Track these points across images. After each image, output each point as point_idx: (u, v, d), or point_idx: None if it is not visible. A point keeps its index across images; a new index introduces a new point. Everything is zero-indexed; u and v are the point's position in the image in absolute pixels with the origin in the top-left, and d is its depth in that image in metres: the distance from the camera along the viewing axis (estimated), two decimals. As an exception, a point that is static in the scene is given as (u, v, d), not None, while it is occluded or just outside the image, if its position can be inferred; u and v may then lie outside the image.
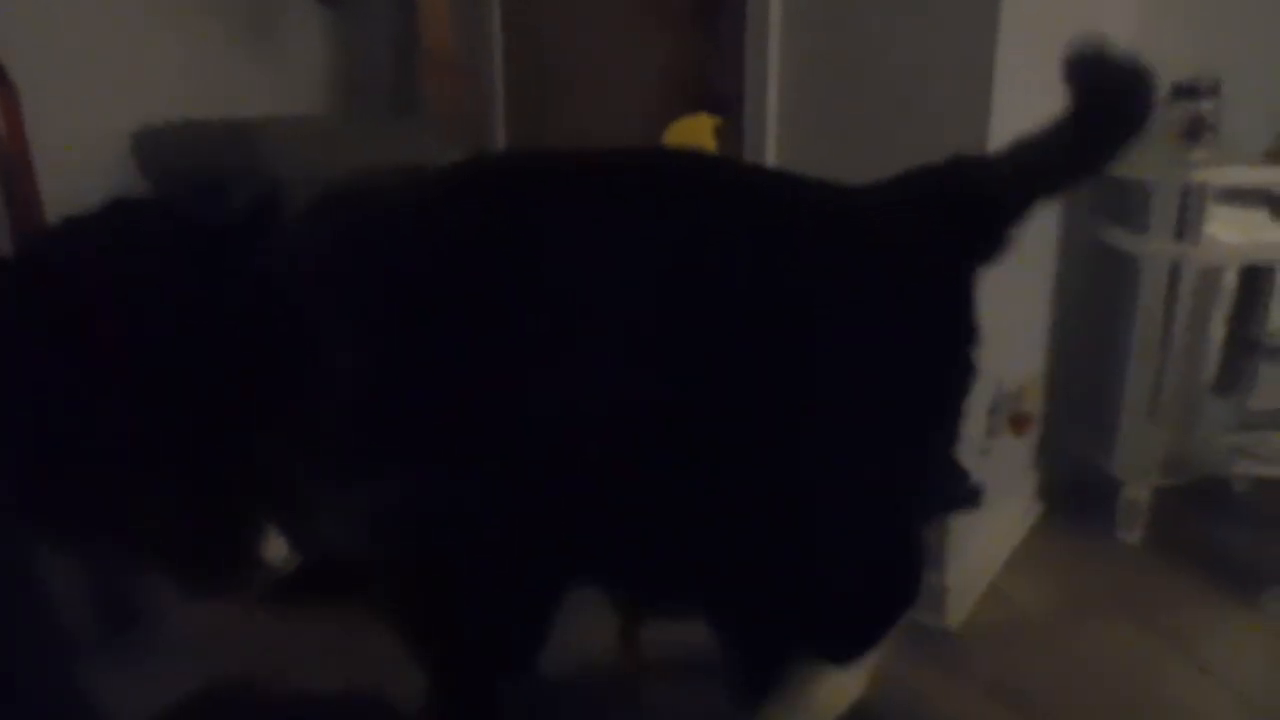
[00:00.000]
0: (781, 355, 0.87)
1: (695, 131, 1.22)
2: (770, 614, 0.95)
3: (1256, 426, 1.96)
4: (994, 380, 1.73)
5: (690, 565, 0.90)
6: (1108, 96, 1.01)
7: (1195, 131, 1.76)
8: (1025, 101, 1.57)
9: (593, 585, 0.99)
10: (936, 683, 1.52)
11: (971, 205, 1.00)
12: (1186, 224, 1.77)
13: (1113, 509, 1.96)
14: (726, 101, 1.82)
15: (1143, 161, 1.89)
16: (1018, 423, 1.77)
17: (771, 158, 1.72)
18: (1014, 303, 1.81)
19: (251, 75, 2.21)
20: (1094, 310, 2.04)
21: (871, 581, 1.00)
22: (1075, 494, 2.08)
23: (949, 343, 1.00)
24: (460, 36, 2.40)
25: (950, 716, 1.45)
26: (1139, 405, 1.90)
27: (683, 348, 0.85)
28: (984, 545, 1.83)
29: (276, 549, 0.96)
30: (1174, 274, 1.82)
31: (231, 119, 1.97)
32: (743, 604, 0.94)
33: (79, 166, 1.75)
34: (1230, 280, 1.94)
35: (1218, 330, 1.97)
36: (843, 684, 1.01)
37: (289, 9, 2.28)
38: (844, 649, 1.01)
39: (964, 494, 1.19)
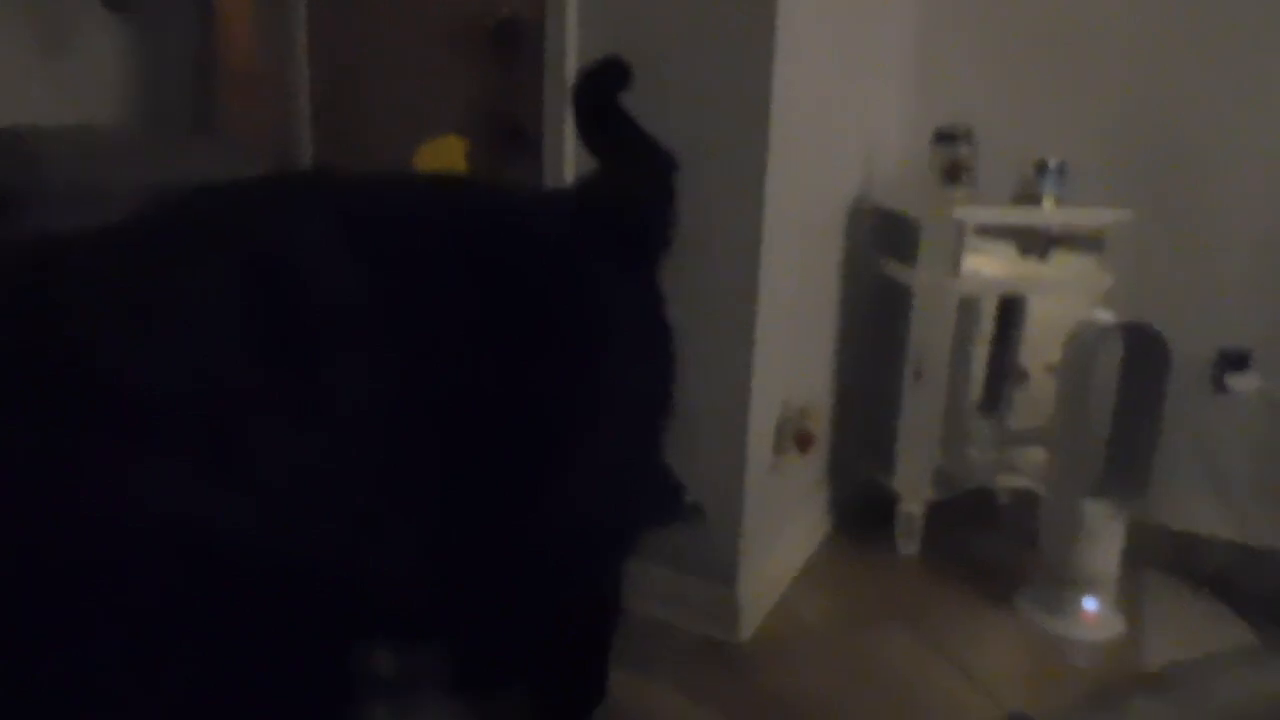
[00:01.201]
0: (491, 364, 0.89)
1: (445, 152, 1.23)
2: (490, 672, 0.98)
3: (1015, 443, 2.15)
4: (780, 401, 1.83)
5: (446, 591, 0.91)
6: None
7: (954, 173, 1.94)
8: (803, 128, 1.68)
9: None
10: (724, 695, 1.57)
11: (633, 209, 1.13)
12: (949, 258, 1.93)
13: (894, 524, 2.10)
14: (528, 127, 1.85)
15: (911, 199, 2.06)
16: (802, 441, 1.86)
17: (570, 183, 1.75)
18: (800, 329, 1.92)
19: (40, 84, 2.07)
20: (874, 336, 2.19)
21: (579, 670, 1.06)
22: (861, 511, 2.21)
23: (645, 334, 1.06)
24: (264, 54, 2.33)
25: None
26: (912, 425, 2.05)
27: (403, 365, 0.84)
28: (775, 561, 1.92)
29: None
30: (941, 303, 1.98)
31: (2, 127, 1.84)
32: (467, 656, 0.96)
33: None
34: (990, 310, 2.13)
35: (981, 356, 2.15)
36: None
37: (81, 17, 2.15)
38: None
39: (679, 508, 1.26)
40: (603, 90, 1.23)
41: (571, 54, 1.72)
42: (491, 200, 1.08)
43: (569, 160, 1.76)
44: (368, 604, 0.83)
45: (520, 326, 0.92)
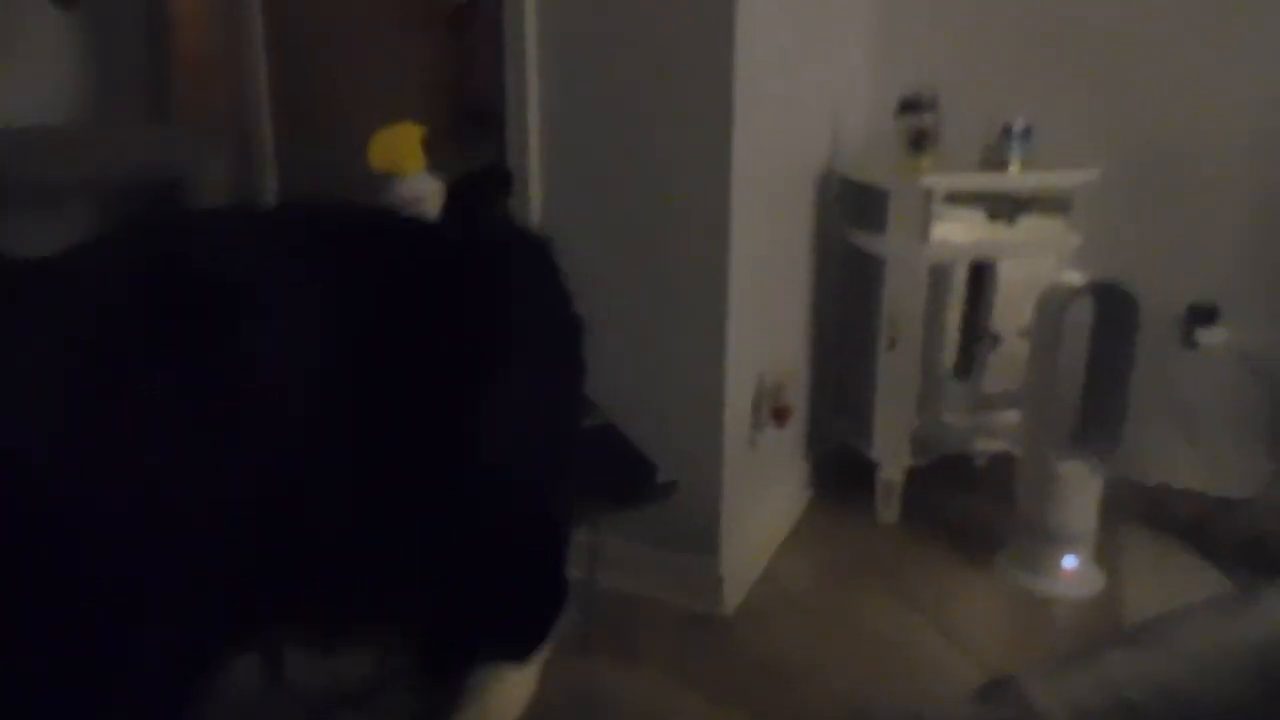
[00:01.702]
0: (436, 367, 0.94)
1: (401, 140, 1.22)
2: (456, 616, 1.00)
3: (989, 407, 2.16)
4: (755, 375, 1.83)
5: (381, 585, 0.93)
6: None
7: (920, 141, 1.94)
8: (766, 98, 1.68)
9: (277, 624, 0.98)
10: (710, 668, 1.58)
11: None
12: (918, 226, 1.94)
13: (873, 491, 2.11)
14: (489, 108, 1.83)
15: (878, 168, 2.06)
16: (779, 414, 1.87)
17: (535, 161, 1.74)
18: (773, 303, 1.92)
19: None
20: (847, 306, 2.19)
21: (537, 570, 1.10)
22: (840, 478, 2.22)
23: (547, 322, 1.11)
24: (220, 40, 2.29)
25: (720, 695, 1.51)
26: (888, 393, 2.06)
27: (355, 387, 0.88)
28: (758, 533, 1.93)
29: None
30: (912, 271, 1.99)
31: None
32: (430, 611, 0.99)
33: None
34: (961, 275, 2.14)
35: (953, 321, 2.16)
36: (519, 683, 1.09)
37: (29, 17, 2.11)
38: (521, 645, 1.08)
39: (652, 488, 1.29)
40: (485, 195, 1.31)
41: (532, 34, 1.70)
42: (394, 218, 1.16)
43: (533, 140, 1.75)
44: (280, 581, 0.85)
45: (425, 320, 0.95)
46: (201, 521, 0.77)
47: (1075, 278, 1.83)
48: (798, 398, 2.05)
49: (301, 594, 0.90)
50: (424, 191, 1.23)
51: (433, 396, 0.93)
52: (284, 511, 0.83)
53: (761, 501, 1.94)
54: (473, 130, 1.91)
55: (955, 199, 2.00)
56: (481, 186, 1.29)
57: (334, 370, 0.87)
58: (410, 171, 1.23)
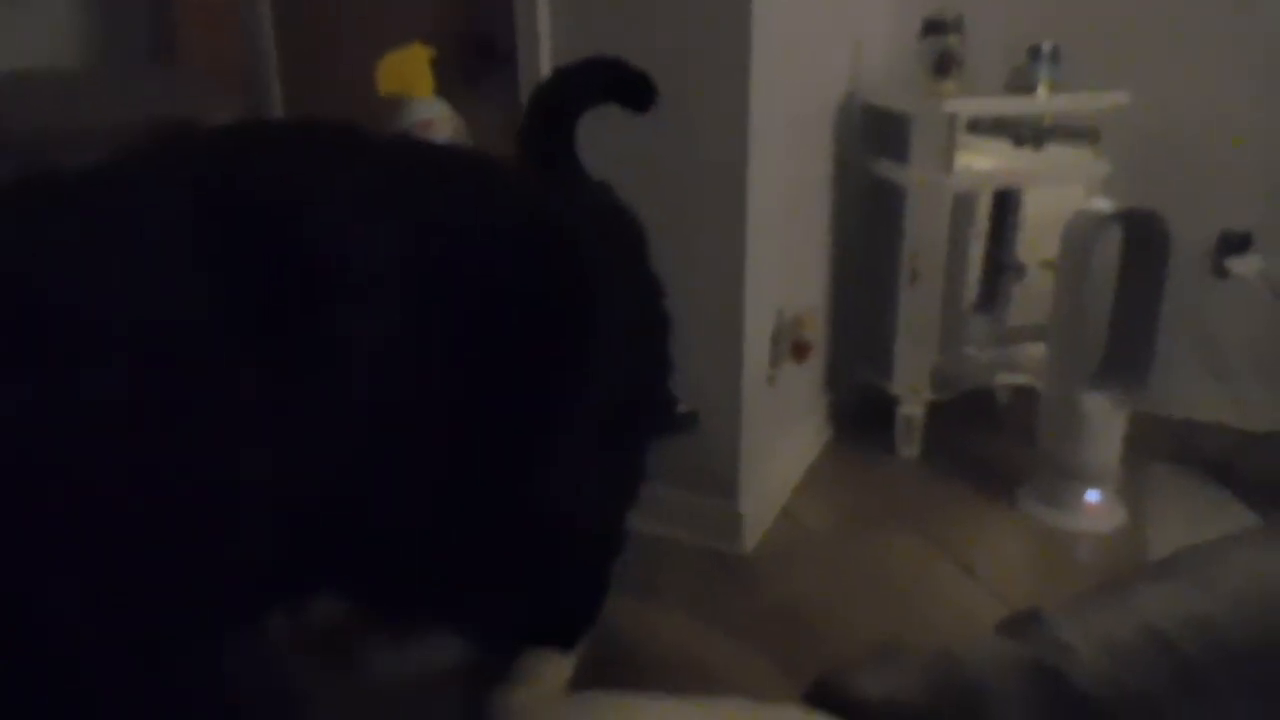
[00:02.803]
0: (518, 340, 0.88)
1: (410, 63, 1.16)
2: (509, 612, 1.00)
3: (1013, 340, 2.12)
4: (775, 310, 1.80)
5: (439, 574, 0.91)
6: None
7: (944, 65, 1.86)
8: (786, 23, 1.62)
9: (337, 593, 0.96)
10: (729, 608, 1.58)
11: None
12: (942, 154, 1.88)
13: (894, 428, 2.09)
14: (500, 46, 1.77)
15: (901, 94, 1.99)
16: (798, 350, 1.84)
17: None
18: (792, 235, 1.88)
19: None
20: (868, 238, 2.14)
21: (592, 577, 1.11)
22: (861, 416, 2.20)
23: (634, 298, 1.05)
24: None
25: (742, 635, 1.51)
26: (909, 327, 2.02)
27: (432, 344, 0.83)
28: (777, 471, 1.91)
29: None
30: (935, 201, 1.93)
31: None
32: (485, 604, 0.97)
33: None
34: (984, 205, 2.08)
35: (977, 253, 2.11)
36: (565, 660, 1.10)
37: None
38: (569, 636, 1.08)
39: (673, 418, 1.26)
40: (575, 100, 1.14)
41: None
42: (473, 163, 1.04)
43: (545, 75, 1.70)
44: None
45: (500, 305, 0.88)
46: (250, 505, 0.72)
47: (1104, 205, 1.77)
48: (818, 333, 2.01)
49: (354, 580, 0.87)
50: (434, 115, 1.18)
51: (503, 397, 0.87)
52: (339, 501, 0.78)
53: (781, 439, 1.92)
54: (483, 68, 1.86)
55: (980, 126, 1.94)
56: (576, 97, 1.14)
57: (407, 354, 0.81)
58: (420, 94, 1.18)
